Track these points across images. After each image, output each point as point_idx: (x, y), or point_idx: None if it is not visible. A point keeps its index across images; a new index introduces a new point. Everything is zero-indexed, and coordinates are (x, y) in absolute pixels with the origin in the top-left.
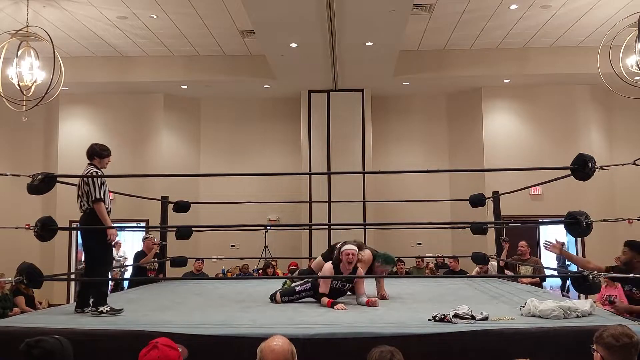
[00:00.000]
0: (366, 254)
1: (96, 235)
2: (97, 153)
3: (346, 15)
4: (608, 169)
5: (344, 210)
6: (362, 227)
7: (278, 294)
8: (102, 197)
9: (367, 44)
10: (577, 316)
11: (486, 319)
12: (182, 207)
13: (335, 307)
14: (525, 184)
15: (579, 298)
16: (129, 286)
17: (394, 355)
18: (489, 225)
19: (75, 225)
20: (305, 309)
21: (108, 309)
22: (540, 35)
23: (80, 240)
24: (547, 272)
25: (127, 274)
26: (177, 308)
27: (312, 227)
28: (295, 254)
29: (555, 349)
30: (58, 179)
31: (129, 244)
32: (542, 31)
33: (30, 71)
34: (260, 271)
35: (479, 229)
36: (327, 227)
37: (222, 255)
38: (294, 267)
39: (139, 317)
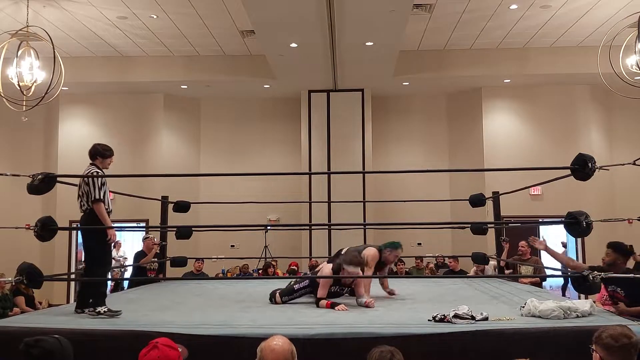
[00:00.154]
0: (370, 251)
1: (96, 235)
2: (99, 153)
3: (346, 15)
4: (608, 169)
5: (344, 210)
6: (362, 227)
7: (277, 294)
8: (102, 197)
9: (367, 44)
10: (577, 316)
11: (486, 319)
12: (182, 207)
13: (336, 307)
14: (525, 184)
15: (579, 298)
16: (129, 286)
17: (394, 355)
18: (489, 225)
19: (75, 225)
20: (305, 309)
21: (106, 310)
22: (540, 35)
23: (80, 240)
24: (548, 272)
25: (127, 274)
26: (177, 308)
27: (312, 227)
28: (295, 254)
29: (555, 349)
30: (58, 179)
31: (129, 244)
32: (542, 31)
33: (30, 71)
34: (260, 271)
35: (479, 229)
36: (327, 227)
37: (222, 255)
38: (294, 267)
39: (139, 317)
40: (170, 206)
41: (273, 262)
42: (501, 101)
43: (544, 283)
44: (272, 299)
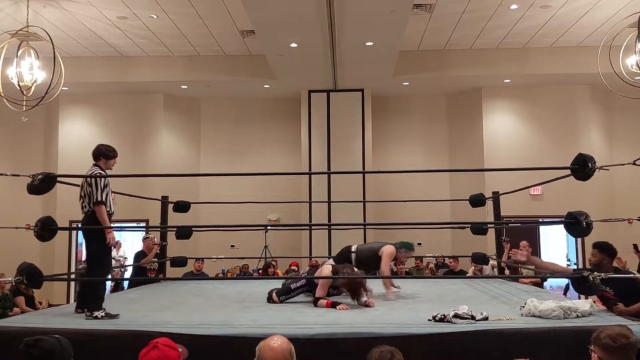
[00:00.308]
0: (389, 249)
1: (95, 237)
2: (103, 154)
3: (346, 15)
4: (608, 169)
5: (344, 210)
6: (362, 227)
7: (274, 294)
8: (104, 199)
9: (367, 44)
10: (577, 316)
11: (486, 319)
12: (182, 207)
13: (337, 307)
14: (525, 184)
15: (579, 298)
16: (129, 286)
17: (394, 355)
18: (489, 225)
19: (75, 225)
20: (305, 309)
21: (103, 314)
22: (540, 35)
23: (80, 241)
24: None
25: (127, 274)
26: (177, 308)
27: (312, 227)
28: (295, 254)
29: (555, 349)
30: (58, 179)
31: (129, 244)
32: (542, 31)
33: (30, 71)
34: (260, 271)
35: (479, 229)
36: (327, 227)
37: (222, 255)
38: (294, 267)
39: (139, 317)
40: (170, 206)
41: (273, 262)
42: (501, 101)
43: (544, 283)
44: (270, 299)
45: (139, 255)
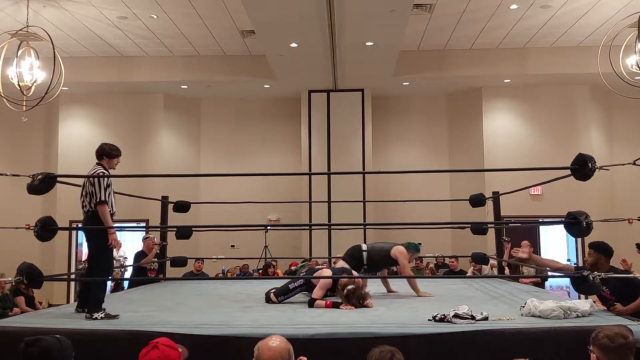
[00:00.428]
0: (402, 249)
1: (96, 238)
2: (106, 153)
3: (346, 15)
4: (608, 169)
5: (344, 210)
6: (362, 227)
7: (272, 294)
8: (107, 199)
9: (367, 44)
10: (577, 316)
11: (486, 319)
12: (182, 207)
13: (341, 306)
14: (525, 184)
15: (579, 298)
16: (129, 286)
17: (394, 355)
18: (489, 225)
19: (75, 225)
20: (305, 309)
21: (103, 315)
22: (540, 35)
23: (80, 241)
24: (549, 272)
25: (127, 274)
26: (177, 308)
27: (312, 227)
28: (295, 254)
29: (555, 349)
30: (58, 179)
31: (129, 244)
32: (542, 31)
33: (30, 71)
34: (260, 271)
35: (479, 229)
36: (327, 227)
37: (222, 255)
38: (294, 267)
39: (139, 317)
40: (170, 206)
41: (273, 262)
42: (501, 101)
43: (545, 283)
44: (269, 300)
45: (139, 256)
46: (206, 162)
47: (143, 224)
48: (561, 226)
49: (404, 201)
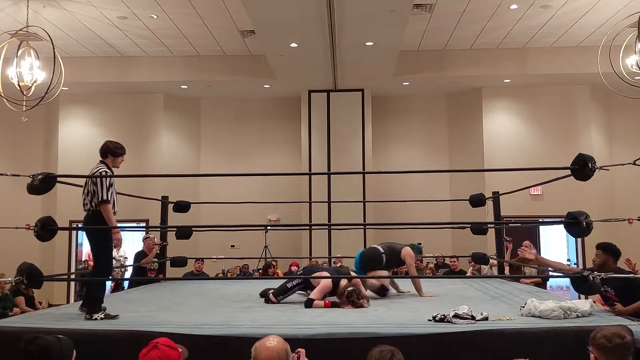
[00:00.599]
0: (409, 250)
1: (97, 238)
2: (111, 151)
3: (346, 15)
4: (608, 169)
5: (344, 210)
6: (362, 227)
7: (271, 295)
8: (109, 198)
9: (367, 44)
10: (577, 316)
11: (486, 319)
12: (182, 207)
13: (342, 306)
14: (525, 184)
15: (579, 298)
16: (129, 286)
17: (394, 355)
18: (489, 225)
19: (75, 225)
20: (305, 309)
21: (102, 316)
22: (540, 35)
23: (80, 241)
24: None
25: (127, 274)
26: (177, 308)
27: (312, 227)
28: (295, 254)
29: (555, 349)
30: (58, 179)
31: (129, 244)
32: (542, 31)
33: (30, 71)
34: (260, 271)
35: (479, 229)
36: (327, 227)
37: (222, 255)
38: (294, 267)
39: (139, 318)
40: (170, 206)
41: (273, 262)
42: (501, 101)
43: (547, 283)
44: (268, 301)
45: (139, 256)
46: (206, 162)
47: (143, 224)
48: (561, 226)
49: (404, 201)
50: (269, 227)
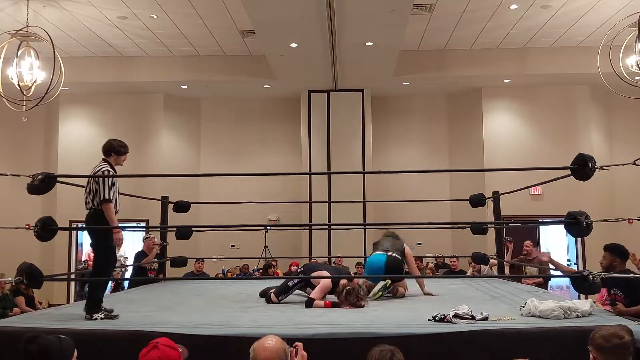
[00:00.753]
0: (408, 249)
1: (97, 237)
2: (114, 149)
3: (346, 15)
4: (608, 169)
5: (344, 210)
6: (362, 227)
7: (272, 295)
8: (111, 197)
9: (367, 44)
10: (577, 316)
11: (486, 319)
12: (182, 207)
13: (343, 306)
14: (525, 184)
15: (579, 298)
16: (129, 286)
17: (394, 355)
18: (489, 225)
19: (75, 225)
20: (305, 309)
21: (102, 316)
22: (540, 35)
23: (80, 241)
24: (552, 271)
25: (128, 274)
26: (177, 308)
27: (312, 227)
28: (295, 254)
29: (555, 349)
30: (58, 179)
31: (129, 244)
32: (542, 31)
33: (30, 71)
34: (260, 271)
35: (479, 229)
36: (327, 227)
37: (222, 255)
38: (294, 267)
39: (139, 317)
40: (170, 206)
41: (273, 262)
42: (501, 101)
43: (549, 283)
44: (268, 300)
45: (140, 256)
46: (206, 162)
47: (143, 224)
48: (561, 226)
49: (404, 201)
50: (269, 227)
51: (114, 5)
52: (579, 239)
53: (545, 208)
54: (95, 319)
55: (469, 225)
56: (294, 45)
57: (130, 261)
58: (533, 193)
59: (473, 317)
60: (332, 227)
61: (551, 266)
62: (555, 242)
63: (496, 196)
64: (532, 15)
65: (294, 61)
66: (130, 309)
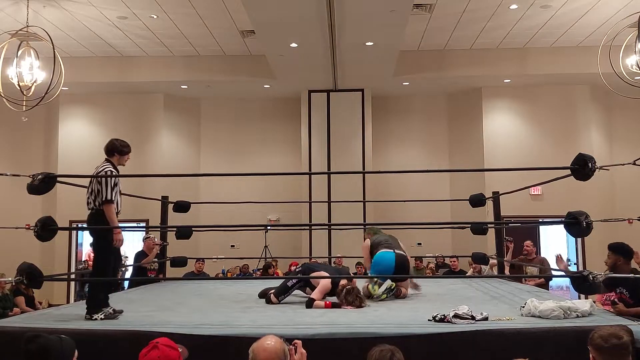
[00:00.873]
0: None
1: (99, 237)
2: (117, 149)
3: (346, 15)
4: (608, 169)
5: (344, 210)
6: (362, 227)
7: (272, 295)
8: (113, 198)
9: (367, 44)
10: (577, 316)
11: (486, 319)
12: (182, 207)
13: (343, 306)
14: (525, 184)
15: (579, 298)
16: (129, 286)
17: (394, 354)
18: (489, 225)
19: (75, 225)
20: (305, 309)
21: (102, 316)
22: (540, 35)
23: (80, 241)
24: (552, 271)
25: (127, 274)
26: (177, 308)
27: (312, 227)
28: (295, 254)
29: (555, 349)
30: (58, 179)
31: (129, 244)
32: (542, 31)
33: (30, 71)
34: (260, 271)
35: (479, 229)
36: (327, 227)
37: (222, 255)
38: (294, 267)
39: (139, 318)
40: (170, 206)
41: (273, 262)
42: (501, 101)
43: (550, 283)
44: (268, 301)
45: (140, 256)
46: (206, 162)
47: (143, 224)
48: (561, 226)
49: (404, 201)
50: (269, 227)
51: (114, 5)
52: (579, 239)
53: (545, 208)
54: (95, 319)
55: (469, 225)
56: (294, 45)
57: (130, 261)
58: (533, 193)
59: (473, 317)
60: (332, 227)
61: (553, 266)
62: (555, 242)
63: (496, 196)
64: (532, 15)
65: (294, 61)
66: (130, 309)
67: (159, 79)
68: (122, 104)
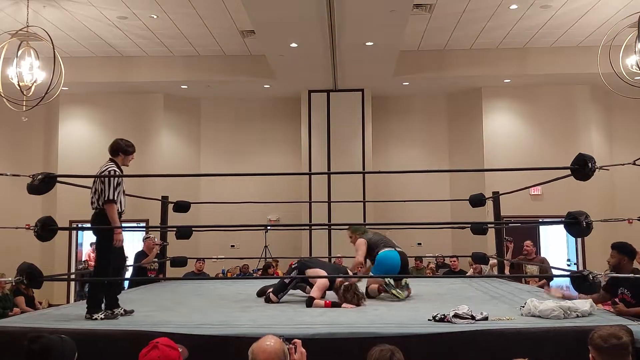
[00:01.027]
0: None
1: (100, 237)
2: (122, 149)
3: (346, 15)
4: (608, 169)
5: (344, 210)
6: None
7: (271, 295)
8: (115, 198)
9: (367, 44)
10: (577, 316)
11: (486, 319)
12: (182, 207)
13: (343, 306)
14: (525, 184)
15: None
16: (129, 286)
17: (394, 354)
18: (489, 225)
19: (75, 225)
20: (305, 308)
21: (102, 316)
22: (540, 35)
23: (80, 241)
24: (552, 271)
25: (127, 274)
26: (177, 308)
27: (312, 227)
28: (295, 254)
29: (555, 349)
30: (58, 179)
31: (129, 244)
32: (542, 31)
33: (30, 71)
34: (260, 271)
35: (479, 229)
36: (327, 227)
37: (222, 255)
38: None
39: (139, 317)
40: (170, 206)
41: (273, 262)
42: (501, 101)
43: (551, 283)
44: (268, 301)
45: (140, 256)
46: (206, 162)
47: (143, 224)
48: (561, 226)
49: (404, 201)
50: (269, 227)
51: (114, 5)
52: (579, 239)
53: (545, 208)
54: (96, 318)
55: (469, 225)
56: (294, 45)
57: (130, 261)
58: (533, 193)
59: (473, 317)
60: (332, 227)
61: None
62: (555, 242)
63: (496, 196)
64: (532, 15)
65: (294, 61)
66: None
67: (159, 79)
68: (122, 104)
